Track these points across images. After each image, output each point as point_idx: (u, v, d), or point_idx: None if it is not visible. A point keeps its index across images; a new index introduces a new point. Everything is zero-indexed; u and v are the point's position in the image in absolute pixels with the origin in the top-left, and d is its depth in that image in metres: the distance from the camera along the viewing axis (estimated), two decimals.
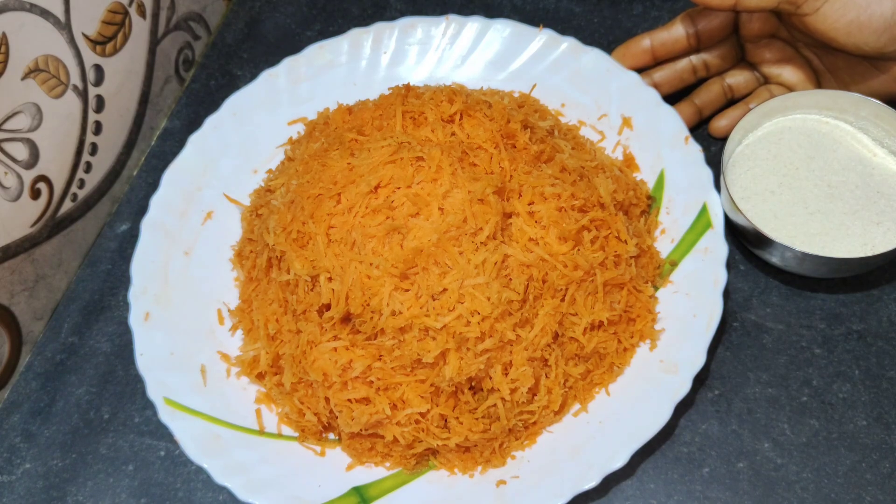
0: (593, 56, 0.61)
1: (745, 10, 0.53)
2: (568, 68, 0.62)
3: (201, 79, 0.71)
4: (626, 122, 0.59)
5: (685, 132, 0.57)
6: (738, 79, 0.60)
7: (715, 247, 0.52)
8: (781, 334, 0.54)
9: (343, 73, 0.65)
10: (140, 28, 0.66)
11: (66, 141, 0.60)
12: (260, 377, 0.53)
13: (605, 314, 0.49)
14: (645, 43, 0.59)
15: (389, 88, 0.57)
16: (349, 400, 0.48)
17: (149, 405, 0.54)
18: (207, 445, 0.50)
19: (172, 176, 0.60)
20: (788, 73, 0.59)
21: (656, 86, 0.59)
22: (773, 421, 0.51)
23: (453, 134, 0.52)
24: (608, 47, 0.65)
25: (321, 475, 0.50)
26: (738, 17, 0.58)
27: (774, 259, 0.54)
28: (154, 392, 0.51)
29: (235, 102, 0.63)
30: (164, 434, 0.54)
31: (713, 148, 0.61)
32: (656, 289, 0.53)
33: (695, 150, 0.56)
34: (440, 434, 0.48)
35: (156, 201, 0.59)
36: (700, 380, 0.52)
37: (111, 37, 0.63)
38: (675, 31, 0.58)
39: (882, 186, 0.54)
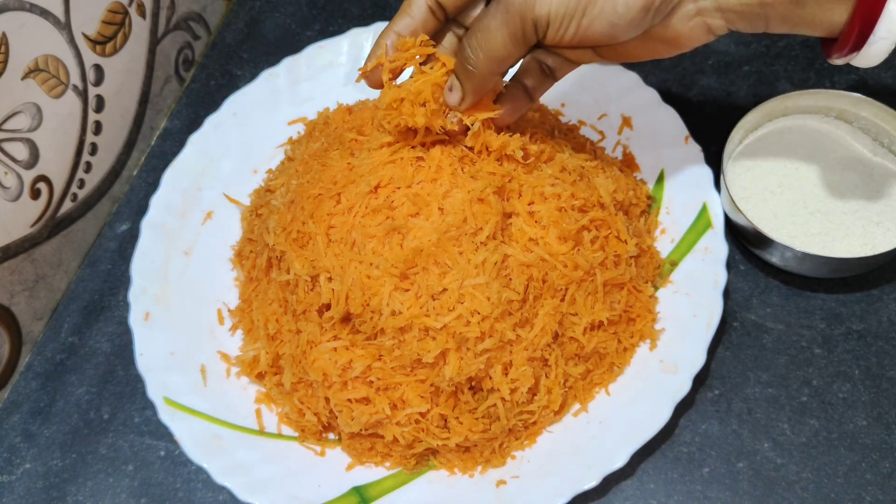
0: None
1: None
2: None
3: (201, 79, 0.71)
4: (626, 122, 0.59)
5: (685, 132, 0.57)
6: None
7: (715, 247, 0.52)
8: (781, 334, 0.54)
9: (343, 73, 0.65)
10: (140, 28, 0.66)
11: (66, 141, 0.60)
12: (260, 377, 0.53)
13: (605, 314, 0.49)
14: (388, 42, 0.47)
15: None
16: (349, 400, 0.48)
17: (149, 405, 0.54)
18: (207, 445, 0.50)
19: (172, 176, 0.60)
20: None
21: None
22: (773, 421, 0.51)
23: None
24: None
25: (321, 475, 0.50)
26: None
27: (774, 259, 0.54)
28: (154, 392, 0.51)
29: (235, 102, 0.63)
30: (164, 434, 0.54)
31: (713, 148, 0.61)
32: (656, 289, 0.53)
33: (695, 150, 0.56)
34: (440, 434, 0.48)
35: (156, 201, 0.59)
36: (700, 380, 0.52)
37: (111, 37, 0.63)
38: (418, 17, 0.46)
39: (882, 186, 0.54)
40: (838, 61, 0.44)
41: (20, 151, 0.56)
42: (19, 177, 0.56)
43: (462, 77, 0.45)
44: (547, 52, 0.48)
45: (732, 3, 0.42)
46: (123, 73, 0.65)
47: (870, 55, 0.42)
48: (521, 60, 0.48)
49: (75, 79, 0.59)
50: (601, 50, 0.47)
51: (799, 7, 0.41)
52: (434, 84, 0.45)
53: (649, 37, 0.44)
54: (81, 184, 0.62)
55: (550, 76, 0.49)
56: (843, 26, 0.41)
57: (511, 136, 0.49)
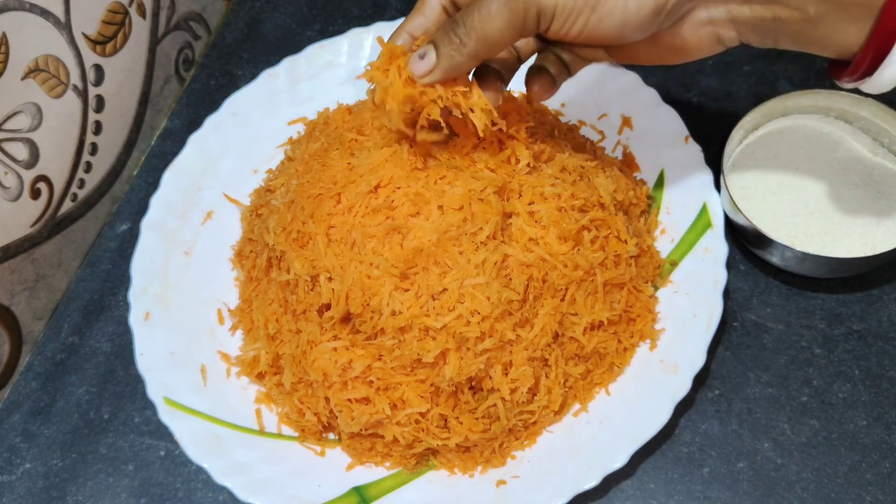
0: None
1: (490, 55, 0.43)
2: None
3: (201, 79, 0.71)
4: (626, 122, 0.59)
5: (685, 132, 0.57)
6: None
7: (715, 247, 0.52)
8: (781, 334, 0.54)
9: (343, 73, 0.65)
10: (140, 28, 0.66)
11: (66, 141, 0.60)
12: (260, 377, 0.53)
13: (605, 314, 0.49)
14: (401, 42, 0.46)
15: None
16: (349, 400, 0.48)
17: (149, 405, 0.54)
18: (207, 445, 0.50)
19: (172, 176, 0.60)
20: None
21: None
22: (773, 421, 0.51)
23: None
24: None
25: (321, 475, 0.50)
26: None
27: (774, 259, 0.54)
28: (154, 392, 0.51)
29: (235, 102, 0.63)
30: (164, 434, 0.54)
31: (713, 148, 0.61)
32: (656, 289, 0.53)
33: (695, 150, 0.56)
34: (440, 434, 0.48)
35: (156, 201, 0.59)
36: (700, 380, 0.52)
37: (111, 37, 0.63)
38: (431, 17, 0.46)
39: (882, 186, 0.54)
40: (847, 85, 0.43)
41: (20, 151, 0.56)
42: (19, 177, 0.56)
43: (443, 51, 0.42)
44: (562, 48, 0.48)
45: (745, 16, 0.41)
46: (123, 73, 0.65)
47: (881, 81, 0.40)
48: (538, 53, 0.48)
49: (75, 79, 0.59)
50: (610, 49, 0.46)
51: (811, 26, 0.40)
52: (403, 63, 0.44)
53: (658, 42, 0.44)
54: (81, 184, 0.62)
55: (566, 71, 0.49)
56: (855, 50, 0.40)
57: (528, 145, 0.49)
